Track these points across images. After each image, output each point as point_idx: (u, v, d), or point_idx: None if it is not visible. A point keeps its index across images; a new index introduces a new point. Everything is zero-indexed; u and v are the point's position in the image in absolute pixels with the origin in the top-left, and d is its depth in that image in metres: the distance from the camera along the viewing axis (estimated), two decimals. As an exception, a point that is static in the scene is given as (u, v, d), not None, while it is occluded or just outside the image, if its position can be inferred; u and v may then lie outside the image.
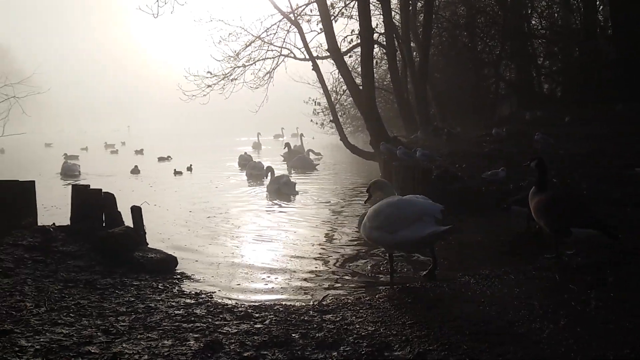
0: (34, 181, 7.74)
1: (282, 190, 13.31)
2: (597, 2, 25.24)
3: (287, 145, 23.10)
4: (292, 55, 19.24)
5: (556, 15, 27.47)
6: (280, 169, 19.24)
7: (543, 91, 27.05)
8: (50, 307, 4.62)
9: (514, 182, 9.81)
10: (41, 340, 3.86)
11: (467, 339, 3.77)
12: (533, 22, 27.44)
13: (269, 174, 14.26)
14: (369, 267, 6.48)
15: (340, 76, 20.72)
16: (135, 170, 19.05)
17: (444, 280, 5.39)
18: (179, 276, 6.10)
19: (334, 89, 25.11)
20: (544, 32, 27.04)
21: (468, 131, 19.98)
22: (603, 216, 5.95)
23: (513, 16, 24.30)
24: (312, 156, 24.71)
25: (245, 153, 23.15)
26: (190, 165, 19.85)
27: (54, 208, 10.64)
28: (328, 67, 22.13)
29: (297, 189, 13.48)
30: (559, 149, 13.18)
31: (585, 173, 10.26)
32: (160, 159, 24.56)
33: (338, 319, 4.42)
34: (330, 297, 5.24)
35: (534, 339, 3.69)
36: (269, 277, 6.20)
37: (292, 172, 19.31)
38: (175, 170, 18.89)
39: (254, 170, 17.25)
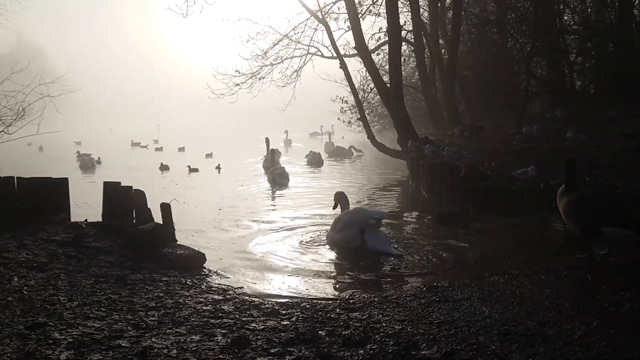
0: (66, 178, 7.93)
1: (276, 180, 15.15)
2: (632, -3, 24.51)
3: (310, 152, 23.11)
4: (320, 53, 19.29)
5: (589, 10, 26.82)
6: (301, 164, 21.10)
7: (575, 88, 26.43)
8: (83, 301, 4.73)
9: (545, 181, 9.63)
10: (74, 333, 3.96)
11: (495, 339, 3.72)
12: (565, 17, 26.83)
13: (273, 155, 17.59)
14: (396, 265, 6.46)
15: (367, 74, 20.73)
16: (164, 167, 19.34)
17: (472, 279, 5.32)
18: (207, 272, 6.16)
19: (362, 86, 25.06)
20: (577, 27, 26.42)
21: (498, 129, 19.70)
22: (637, 215, 5.78)
23: (545, 12, 23.77)
24: (355, 153, 26.03)
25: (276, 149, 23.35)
26: (219, 164, 20.03)
27: (85, 205, 10.85)
28: (355, 65, 22.14)
29: (290, 179, 15.53)
30: (592, 147, 12.89)
31: (621, 171, 10.00)
32: (207, 156, 25.42)
33: (365, 317, 4.41)
34: (357, 295, 5.22)
35: (565, 340, 3.62)
36: (295, 274, 6.21)
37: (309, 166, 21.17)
38: (189, 167, 19.08)
39: (269, 164, 18.32)
